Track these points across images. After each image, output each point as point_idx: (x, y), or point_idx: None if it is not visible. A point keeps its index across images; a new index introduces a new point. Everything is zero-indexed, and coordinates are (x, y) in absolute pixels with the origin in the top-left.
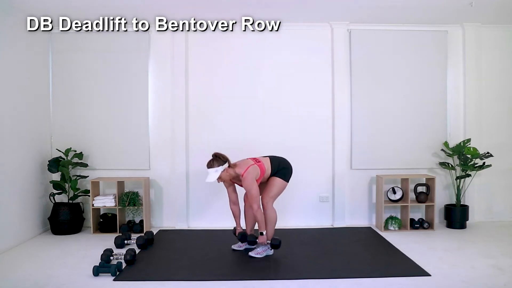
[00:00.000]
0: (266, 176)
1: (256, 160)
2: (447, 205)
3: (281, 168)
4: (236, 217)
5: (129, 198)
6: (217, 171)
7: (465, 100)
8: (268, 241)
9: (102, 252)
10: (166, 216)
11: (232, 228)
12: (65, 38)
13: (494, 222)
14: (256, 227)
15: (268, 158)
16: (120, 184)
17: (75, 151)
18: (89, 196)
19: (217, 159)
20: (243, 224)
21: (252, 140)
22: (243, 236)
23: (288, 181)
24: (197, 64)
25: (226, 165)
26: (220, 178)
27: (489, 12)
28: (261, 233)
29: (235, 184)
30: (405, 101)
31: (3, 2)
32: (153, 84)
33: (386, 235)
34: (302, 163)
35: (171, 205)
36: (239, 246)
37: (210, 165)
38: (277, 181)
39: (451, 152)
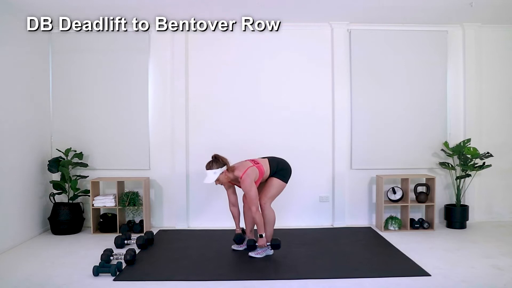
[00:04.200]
0: (265, 177)
1: (254, 161)
2: (447, 205)
3: (279, 169)
4: (236, 218)
5: (129, 198)
6: (215, 173)
7: (465, 100)
8: (268, 243)
9: (102, 252)
10: (166, 216)
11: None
12: (65, 38)
13: (494, 222)
14: (255, 227)
15: (266, 159)
16: (120, 184)
17: (75, 151)
18: (89, 196)
19: (217, 161)
20: (242, 225)
21: (252, 140)
22: (239, 238)
23: (287, 182)
24: (197, 64)
25: (225, 168)
26: (218, 181)
27: (489, 12)
28: (261, 236)
29: (235, 186)
30: (405, 101)
31: (3, 2)
32: (153, 84)
33: (386, 235)
34: (302, 163)
35: (171, 205)
36: (239, 246)
37: (209, 166)
38: (276, 181)
39: (451, 152)
